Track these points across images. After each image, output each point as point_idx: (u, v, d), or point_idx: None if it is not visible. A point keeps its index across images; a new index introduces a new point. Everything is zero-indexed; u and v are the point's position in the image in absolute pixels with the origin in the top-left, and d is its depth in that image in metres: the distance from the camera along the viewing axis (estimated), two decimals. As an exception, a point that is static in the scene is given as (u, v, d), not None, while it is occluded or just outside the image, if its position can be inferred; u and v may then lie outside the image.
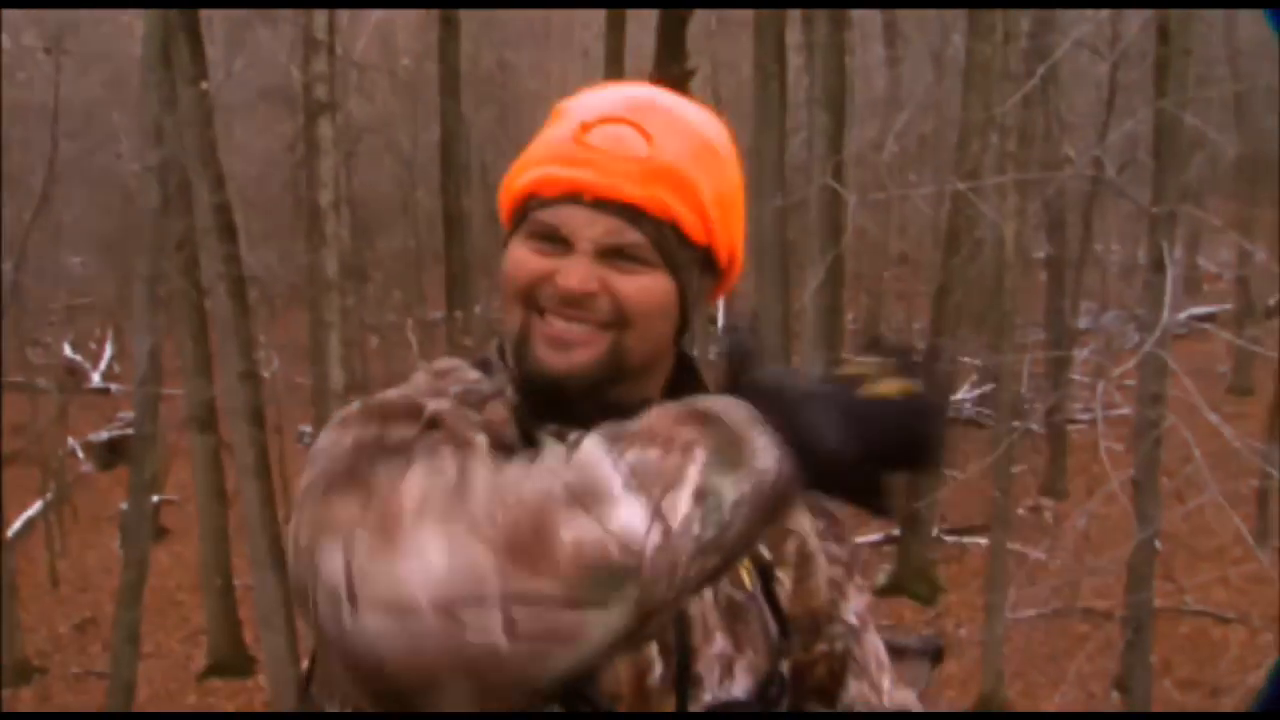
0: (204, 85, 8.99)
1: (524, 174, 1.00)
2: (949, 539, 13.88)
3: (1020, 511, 13.59)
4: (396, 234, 21.33)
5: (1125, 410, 10.27)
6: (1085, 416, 15.57)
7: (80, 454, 17.57)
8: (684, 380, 1.05)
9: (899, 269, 21.79)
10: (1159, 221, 6.00)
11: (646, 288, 0.96)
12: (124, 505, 11.93)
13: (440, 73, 13.28)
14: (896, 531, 13.38)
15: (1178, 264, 6.07)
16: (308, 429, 14.63)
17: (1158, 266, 5.95)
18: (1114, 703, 9.05)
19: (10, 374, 15.57)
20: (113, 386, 20.39)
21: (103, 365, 21.81)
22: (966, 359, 14.96)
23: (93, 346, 22.58)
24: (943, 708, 10.81)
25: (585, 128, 0.97)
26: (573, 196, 0.95)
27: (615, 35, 12.36)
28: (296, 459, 16.24)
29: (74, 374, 20.35)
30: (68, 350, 21.20)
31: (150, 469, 9.61)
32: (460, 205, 13.40)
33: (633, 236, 0.95)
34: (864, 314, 21.71)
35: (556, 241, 0.96)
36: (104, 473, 17.29)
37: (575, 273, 0.95)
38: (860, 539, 14.16)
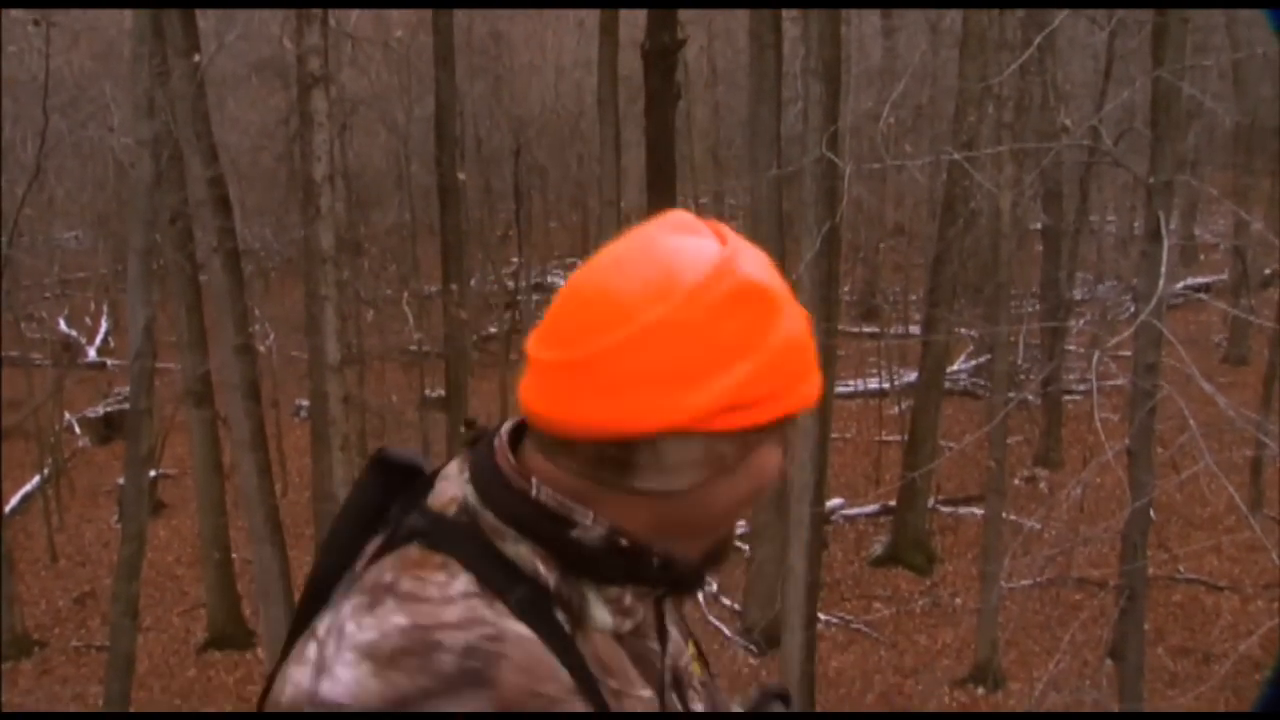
0: (196, 57, 8.93)
1: (801, 383, 0.90)
2: (945, 509, 13.95)
3: (1015, 482, 13.66)
4: (391, 207, 21.26)
5: (1120, 381, 10.29)
6: (1080, 388, 15.60)
7: (77, 429, 17.58)
8: None
9: (895, 240, 21.75)
10: (1156, 191, 5.99)
11: None
12: (121, 480, 11.95)
13: (434, 45, 13.20)
14: (893, 503, 13.45)
15: (1174, 234, 6.07)
16: (303, 403, 14.63)
17: (1154, 236, 5.94)
18: (1107, 670, 9.11)
19: (5, 349, 15.55)
20: (109, 361, 20.36)
21: (98, 340, 21.78)
22: (963, 330, 14.96)
23: (88, 321, 22.54)
24: (938, 676, 10.90)
25: (809, 330, 0.91)
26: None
27: (610, 6, 12.29)
28: (293, 432, 16.27)
29: (69, 349, 20.32)
30: (63, 325, 21.17)
31: (147, 443, 9.61)
32: (455, 178, 13.34)
33: None
34: (860, 286, 21.71)
35: None
36: (101, 447, 17.31)
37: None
38: (857, 510, 14.23)
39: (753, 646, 11.37)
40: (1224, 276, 18.84)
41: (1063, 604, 11.09)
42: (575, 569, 0.89)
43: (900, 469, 13.13)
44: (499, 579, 0.86)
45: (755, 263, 0.88)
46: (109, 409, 17.66)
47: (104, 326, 22.21)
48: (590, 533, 0.88)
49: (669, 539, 0.91)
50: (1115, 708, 7.21)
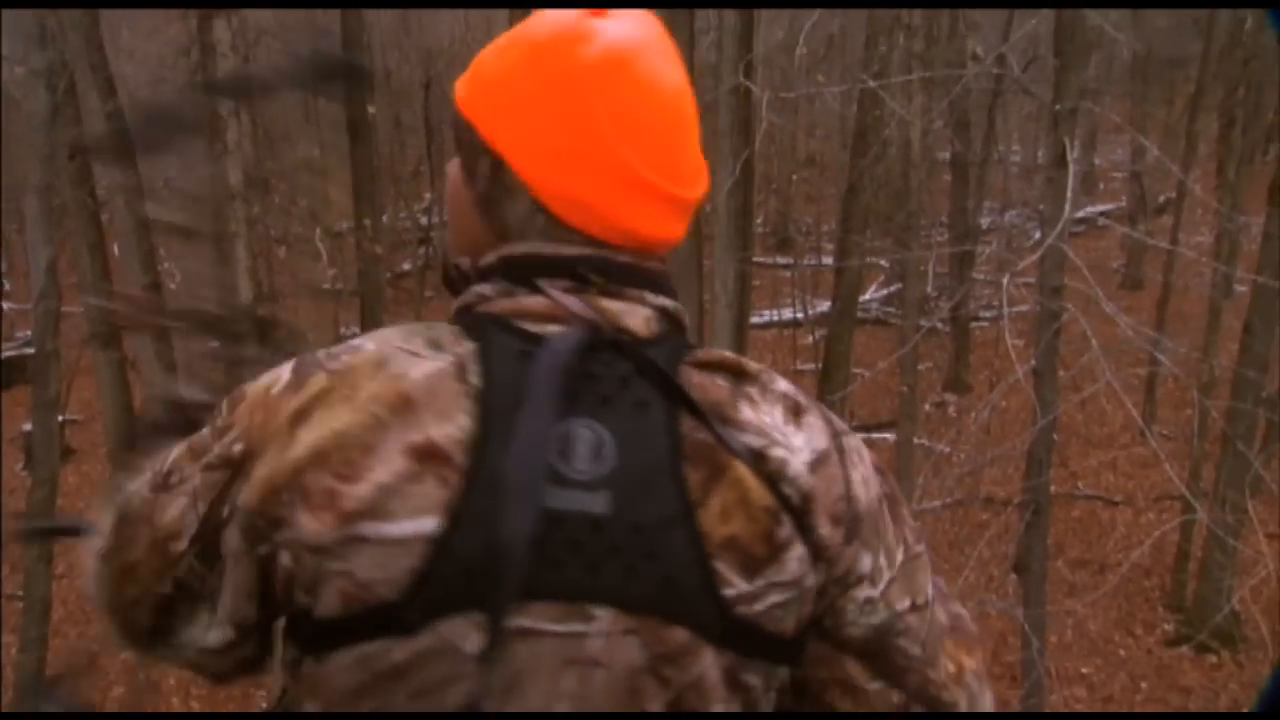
0: (89, -17, 8.56)
1: None
2: (859, 435, 14.27)
3: (926, 407, 14.06)
4: (300, 142, 20.72)
5: (1024, 307, 10.63)
6: (987, 314, 16.05)
7: (-26, 375, 16.97)
8: None
9: (807, 171, 21.94)
10: (1061, 118, 6.17)
11: None
12: (26, 426, 11.61)
13: (339, -28, 12.82)
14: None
15: (1078, 161, 6.26)
16: (217, 343, 14.30)
17: (1059, 162, 6.13)
18: (1012, 582, 9.54)
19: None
20: (3, 305, 19.63)
21: (-8, 283, 20.93)
22: (874, 259, 15.22)
23: (-21, 264, 21.63)
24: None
25: None
26: None
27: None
28: (205, 374, 15.91)
29: (-39, 293, 19.52)
30: (-47, 268, 20.30)
31: (55, 386, 9.34)
32: (364, 111, 13.05)
33: None
34: (774, 217, 21.90)
35: None
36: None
37: None
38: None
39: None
40: (1122, 204, 19.44)
41: (970, 523, 11.52)
42: None
43: (815, 397, 13.38)
44: None
45: None
46: (8, 354, 17.07)
47: (-3, 269, 21.33)
48: None
49: None
50: (1020, 615, 7.57)
